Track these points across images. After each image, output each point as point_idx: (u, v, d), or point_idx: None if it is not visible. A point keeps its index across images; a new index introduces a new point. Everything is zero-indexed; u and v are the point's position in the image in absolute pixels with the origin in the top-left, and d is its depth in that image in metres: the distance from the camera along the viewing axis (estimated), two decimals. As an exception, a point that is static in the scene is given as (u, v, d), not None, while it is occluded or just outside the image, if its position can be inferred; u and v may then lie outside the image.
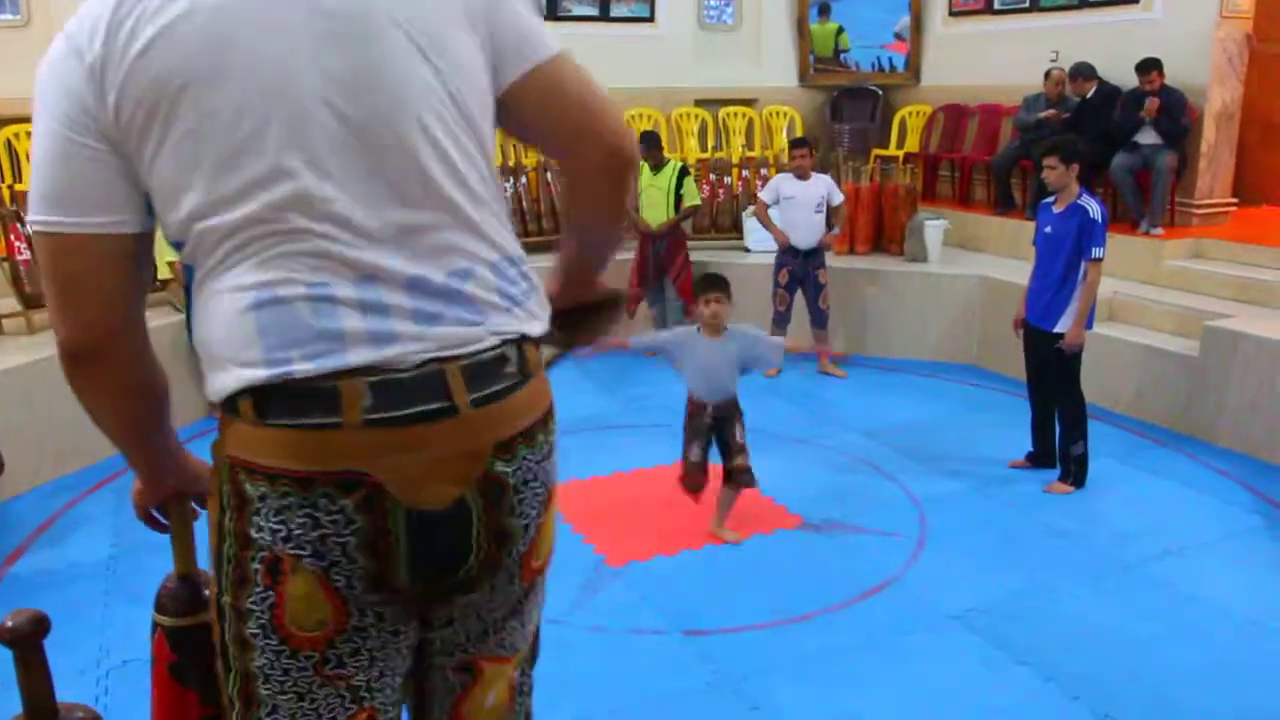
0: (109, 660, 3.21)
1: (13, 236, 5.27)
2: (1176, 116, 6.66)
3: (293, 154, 1.14)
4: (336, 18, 1.16)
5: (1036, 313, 4.57)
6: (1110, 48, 7.17)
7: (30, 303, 5.26)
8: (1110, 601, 3.62)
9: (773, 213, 6.41)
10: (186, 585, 1.65)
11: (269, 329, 1.15)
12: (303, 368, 1.15)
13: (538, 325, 1.33)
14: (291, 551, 1.19)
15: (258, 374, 1.15)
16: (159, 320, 5.28)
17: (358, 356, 1.15)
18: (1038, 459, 4.82)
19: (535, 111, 1.33)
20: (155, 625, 1.65)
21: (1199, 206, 6.97)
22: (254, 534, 1.20)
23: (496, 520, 1.27)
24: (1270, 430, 4.96)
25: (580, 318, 1.62)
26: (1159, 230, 6.67)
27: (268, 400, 1.16)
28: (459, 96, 1.23)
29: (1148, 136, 6.74)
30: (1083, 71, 7.14)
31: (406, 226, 1.19)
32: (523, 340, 1.30)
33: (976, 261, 7.18)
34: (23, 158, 6.83)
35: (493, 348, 1.25)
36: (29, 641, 1.57)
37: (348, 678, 1.27)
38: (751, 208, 7.14)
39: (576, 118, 1.33)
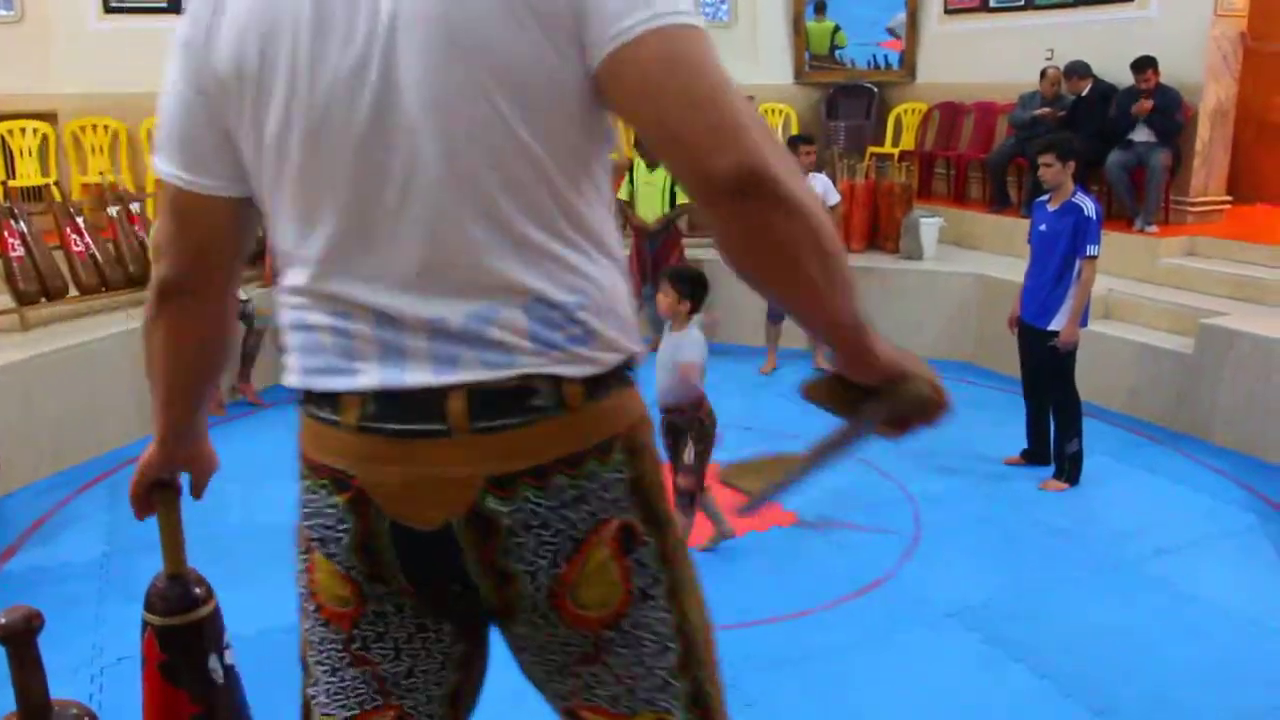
0: (103, 658, 3.20)
1: (6, 234, 5.23)
2: (1171, 114, 6.67)
3: (311, 194, 1.13)
4: (357, 25, 1.06)
5: (1031, 310, 4.58)
6: (1105, 46, 7.17)
7: (25, 300, 5.23)
8: (1106, 599, 3.63)
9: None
10: (176, 584, 1.65)
11: (300, 348, 1.21)
12: (320, 385, 1.19)
13: (587, 368, 1.14)
14: (305, 529, 1.26)
15: (291, 379, 1.23)
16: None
17: (368, 382, 1.16)
18: (1033, 456, 4.83)
19: (620, 112, 1.07)
20: (145, 624, 1.65)
21: (1194, 204, 6.98)
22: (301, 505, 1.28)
23: (490, 558, 1.17)
24: (1265, 428, 4.97)
25: (886, 398, 1.28)
26: (1154, 228, 6.67)
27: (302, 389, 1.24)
28: (507, 112, 1.05)
29: (1142, 134, 6.74)
30: (1078, 69, 7.15)
31: (425, 267, 1.11)
32: (561, 378, 1.13)
33: (972, 259, 7.18)
34: (16, 154, 6.77)
35: (514, 378, 1.12)
36: (23, 638, 1.57)
37: (374, 664, 1.27)
38: (747, 205, 7.12)
39: (662, 124, 1.02)
